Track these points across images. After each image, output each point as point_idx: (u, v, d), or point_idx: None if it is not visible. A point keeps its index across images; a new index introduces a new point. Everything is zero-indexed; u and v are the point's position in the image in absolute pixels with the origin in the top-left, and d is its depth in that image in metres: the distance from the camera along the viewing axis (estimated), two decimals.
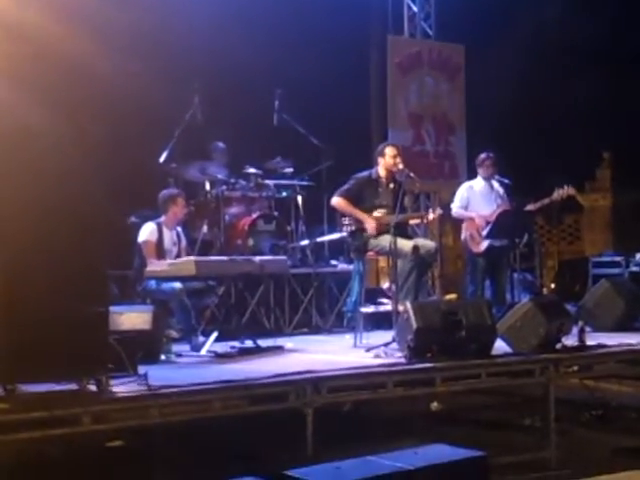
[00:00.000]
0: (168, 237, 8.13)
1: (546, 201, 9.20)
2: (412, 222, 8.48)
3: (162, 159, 9.42)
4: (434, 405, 7.82)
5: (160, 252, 7.98)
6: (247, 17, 10.34)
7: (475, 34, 12.07)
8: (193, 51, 10.04)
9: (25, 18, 5.75)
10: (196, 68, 10.10)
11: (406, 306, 6.86)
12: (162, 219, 8.14)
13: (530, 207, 9.25)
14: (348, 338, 8.20)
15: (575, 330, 7.46)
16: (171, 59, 9.90)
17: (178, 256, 8.09)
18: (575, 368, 7.24)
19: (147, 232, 8.03)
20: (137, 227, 8.31)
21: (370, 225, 8.00)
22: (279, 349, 7.77)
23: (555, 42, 13.42)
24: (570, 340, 7.35)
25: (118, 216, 8.44)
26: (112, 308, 6.30)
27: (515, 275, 9.73)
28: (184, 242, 8.34)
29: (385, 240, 7.83)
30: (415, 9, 12.12)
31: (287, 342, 8.19)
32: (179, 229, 8.33)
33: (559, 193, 9.11)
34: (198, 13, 9.89)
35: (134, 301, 7.83)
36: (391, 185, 8.25)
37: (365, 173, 8.33)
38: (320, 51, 11.16)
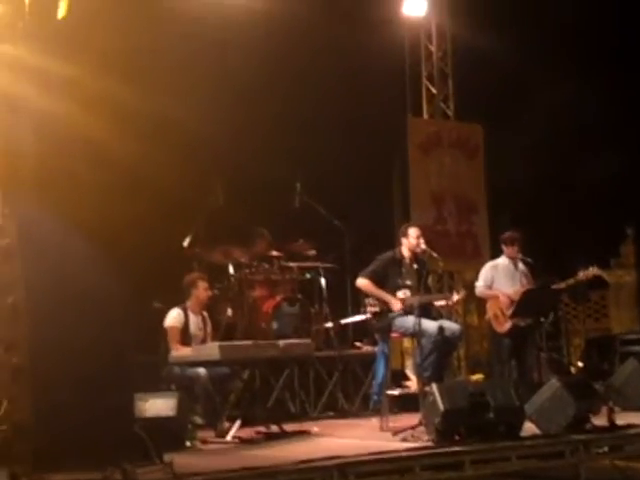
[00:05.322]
0: (194, 322, 8.17)
1: (571, 282, 9.17)
2: (436, 303, 8.43)
3: (186, 243, 9.47)
4: None
5: (186, 337, 8.00)
6: (268, 100, 10.48)
7: (494, 114, 12.17)
8: (216, 136, 10.16)
9: (53, 106, 5.88)
10: (218, 153, 10.21)
11: (432, 388, 6.81)
12: (187, 304, 8.19)
13: (555, 287, 9.22)
14: (374, 421, 8.11)
15: (604, 410, 7.36)
16: (193, 144, 10.02)
17: (204, 341, 8.11)
18: (605, 449, 7.09)
19: (173, 317, 8.09)
20: (161, 312, 8.33)
21: (396, 306, 7.98)
22: (305, 434, 7.70)
23: (574, 120, 13.50)
24: (599, 420, 7.24)
25: (143, 302, 8.48)
26: (137, 395, 6.29)
27: (542, 354, 9.63)
28: (210, 327, 8.35)
29: (409, 321, 7.81)
30: (434, 91, 12.26)
31: (313, 426, 8.13)
32: (205, 314, 8.36)
33: (584, 273, 9.09)
34: (220, 98, 10.04)
35: (159, 386, 7.81)
36: (415, 265, 8.27)
37: (389, 253, 8.35)
38: (341, 133, 11.28)
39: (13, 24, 5.89)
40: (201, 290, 8.28)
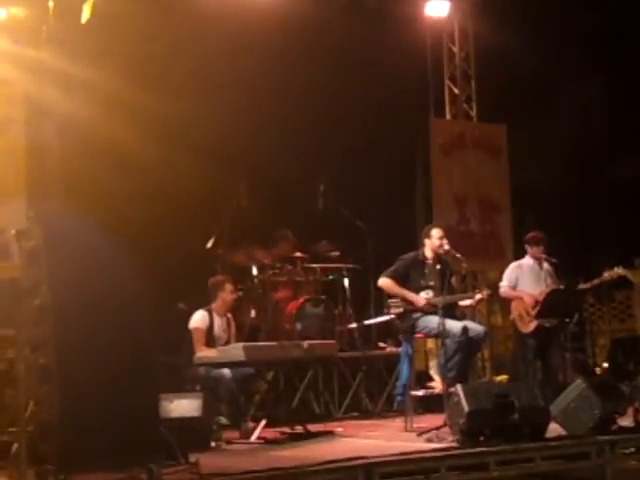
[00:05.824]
0: (218, 324, 8.20)
1: (596, 282, 9.14)
2: (460, 303, 8.41)
3: (209, 245, 9.50)
4: None
5: (210, 339, 8.03)
6: (290, 101, 10.48)
7: (517, 114, 12.12)
8: (238, 137, 10.18)
9: (76, 109, 5.92)
10: (241, 154, 10.22)
11: (457, 389, 6.79)
12: (213, 306, 8.22)
13: (580, 287, 9.18)
14: (399, 422, 8.10)
15: (630, 410, 7.31)
16: (216, 145, 10.03)
17: (227, 343, 8.12)
18: (632, 449, 7.06)
19: (198, 319, 8.12)
20: (185, 313, 8.37)
21: (421, 302, 7.96)
22: (329, 434, 7.70)
23: (598, 119, 13.43)
24: (625, 421, 7.20)
25: (167, 303, 8.51)
26: (162, 395, 6.31)
27: (567, 355, 9.58)
28: (234, 329, 8.38)
29: (433, 321, 7.79)
30: (456, 91, 12.24)
31: (337, 427, 8.12)
32: (229, 315, 8.39)
33: (609, 273, 9.06)
34: (242, 99, 10.06)
35: (184, 387, 7.84)
36: (438, 266, 8.23)
37: (412, 254, 8.33)
38: (363, 134, 11.27)
39: (37, 28, 5.94)
40: (228, 292, 8.32)
